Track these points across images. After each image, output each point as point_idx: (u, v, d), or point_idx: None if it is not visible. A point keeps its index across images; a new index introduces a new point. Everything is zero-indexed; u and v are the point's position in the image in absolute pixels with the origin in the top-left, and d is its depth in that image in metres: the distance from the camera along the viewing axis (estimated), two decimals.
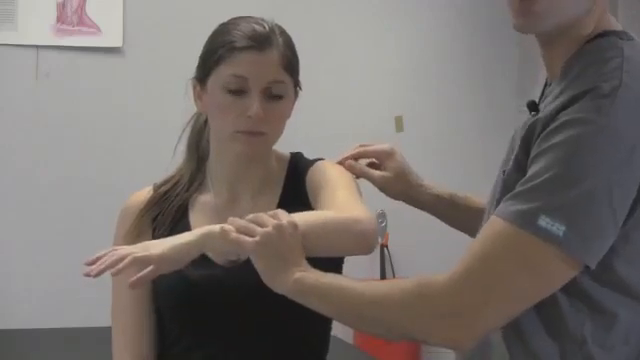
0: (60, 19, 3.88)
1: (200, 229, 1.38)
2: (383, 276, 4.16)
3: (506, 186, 1.30)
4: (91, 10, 3.90)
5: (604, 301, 1.26)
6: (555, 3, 1.29)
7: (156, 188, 1.65)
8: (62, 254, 3.72)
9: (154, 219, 1.61)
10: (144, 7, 3.97)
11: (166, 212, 1.60)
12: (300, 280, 1.33)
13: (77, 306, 3.69)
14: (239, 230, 1.34)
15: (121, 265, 1.31)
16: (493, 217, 1.26)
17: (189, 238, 1.36)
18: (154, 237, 1.57)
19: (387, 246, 4.21)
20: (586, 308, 1.27)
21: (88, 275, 1.31)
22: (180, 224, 1.57)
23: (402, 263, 4.22)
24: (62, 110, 3.89)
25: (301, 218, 1.39)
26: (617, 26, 1.35)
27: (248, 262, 1.37)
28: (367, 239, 1.43)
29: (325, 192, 1.53)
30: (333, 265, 1.47)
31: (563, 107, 1.23)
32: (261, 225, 1.35)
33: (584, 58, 1.29)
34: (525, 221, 1.21)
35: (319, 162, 1.63)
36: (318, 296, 1.34)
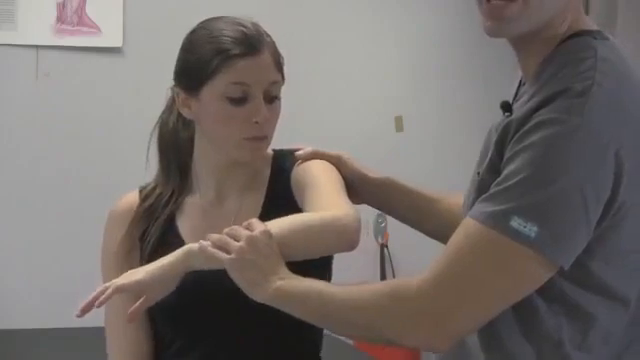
0: (60, 19, 3.88)
1: (181, 248, 1.40)
2: (383, 276, 4.15)
3: (481, 188, 1.30)
4: (91, 10, 3.90)
5: (581, 302, 1.26)
6: (527, 7, 1.28)
7: (142, 198, 1.64)
8: (62, 254, 3.72)
9: (143, 232, 1.61)
10: (144, 7, 3.96)
11: (155, 225, 1.60)
12: (279, 289, 1.34)
13: (77, 306, 3.67)
14: (215, 245, 1.36)
15: (103, 297, 1.35)
16: (466, 219, 1.26)
17: (171, 258, 1.39)
18: (143, 246, 1.59)
19: (387, 246, 4.21)
20: (563, 311, 1.26)
21: (79, 316, 1.38)
22: (168, 229, 1.59)
23: (402, 263, 4.21)
24: (62, 110, 3.89)
25: (277, 225, 1.39)
26: (592, 26, 1.34)
27: None
28: (348, 235, 1.42)
29: (309, 191, 1.52)
30: (320, 264, 1.47)
31: (537, 108, 1.23)
32: (236, 238, 1.35)
33: (558, 59, 1.29)
34: (497, 222, 1.20)
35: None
36: (298, 302, 1.34)
